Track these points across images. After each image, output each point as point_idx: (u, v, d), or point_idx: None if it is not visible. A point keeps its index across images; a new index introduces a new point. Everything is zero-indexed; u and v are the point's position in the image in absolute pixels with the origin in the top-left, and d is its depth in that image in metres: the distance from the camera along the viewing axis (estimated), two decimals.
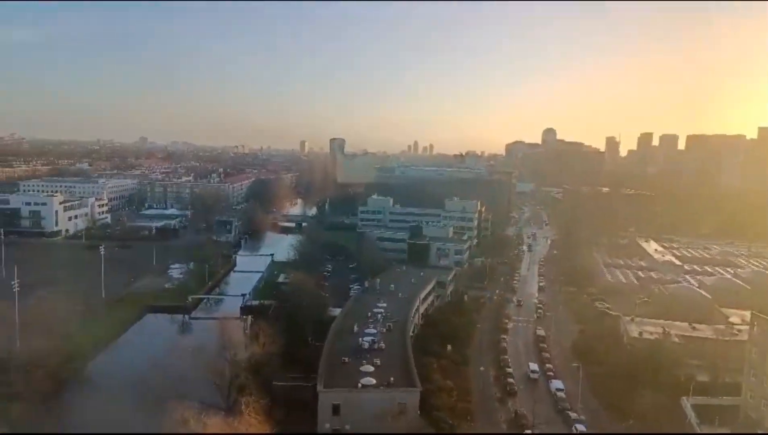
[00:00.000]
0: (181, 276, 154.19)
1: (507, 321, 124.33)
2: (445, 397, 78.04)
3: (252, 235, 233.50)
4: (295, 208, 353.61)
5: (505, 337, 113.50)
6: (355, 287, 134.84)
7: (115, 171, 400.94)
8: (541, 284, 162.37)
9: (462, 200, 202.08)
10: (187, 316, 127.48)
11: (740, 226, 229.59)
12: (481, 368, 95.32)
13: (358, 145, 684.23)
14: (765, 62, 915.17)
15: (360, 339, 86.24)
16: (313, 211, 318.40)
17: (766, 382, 73.49)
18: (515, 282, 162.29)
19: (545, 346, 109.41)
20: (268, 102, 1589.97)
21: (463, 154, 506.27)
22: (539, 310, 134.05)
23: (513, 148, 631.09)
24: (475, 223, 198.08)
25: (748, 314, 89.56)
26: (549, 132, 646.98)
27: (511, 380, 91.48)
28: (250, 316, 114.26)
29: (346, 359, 78.84)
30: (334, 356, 79.79)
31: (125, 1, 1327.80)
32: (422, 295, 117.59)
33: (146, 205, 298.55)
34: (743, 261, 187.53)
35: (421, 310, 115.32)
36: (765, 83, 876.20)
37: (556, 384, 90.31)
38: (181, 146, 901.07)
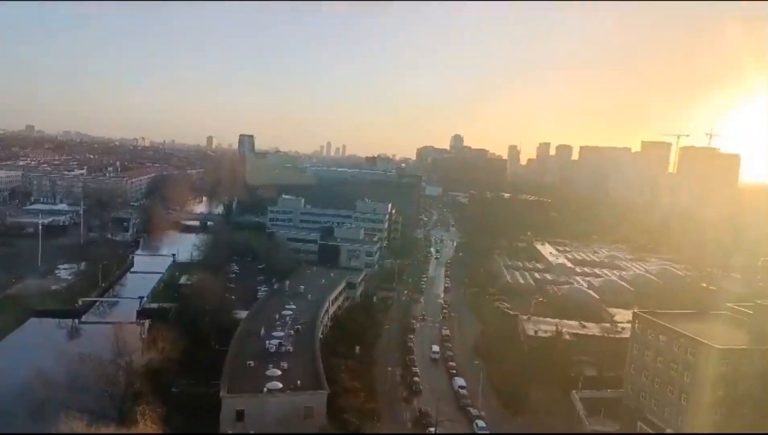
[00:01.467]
0: (70, 277, 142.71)
1: (414, 321, 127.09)
2: (353, 398, 78.17)
3: (152, 234, 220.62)
4: (201, 207, 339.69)
5: (411, 337, 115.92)
6: (263, 289, 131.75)
7: None
8: (447, 285, 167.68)
9: (373, 202, 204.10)
10: (76, 321, 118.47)
11: (625, 232, 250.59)
12: (389, 368, 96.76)
13: (269, 143, 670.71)
14: (652, 81, 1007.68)
15: (267, 342, 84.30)
16: (220, 209, 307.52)
17: (644, 375, 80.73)
18: (423, 283, 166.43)
19: (449, 344, 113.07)
20: (173, 94, 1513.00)
21: (375, 156, 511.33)
22: (445, 311, 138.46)
23: (423, 152, 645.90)
24: (386, 225, 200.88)
25: (630, 313, 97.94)
26: (456, 138, 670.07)
27: (416, 379, 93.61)
28: (147, 320, 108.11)
29: (252, 363, 76.75)
30: (238, 360, 77.39)
31: None
32: (332, 297, 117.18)
33: (32, 199, 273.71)
34: (627, 264, 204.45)
35: (331, 311, 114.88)
36: (651, 100, 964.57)
37: (459, 381, 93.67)
38: (73, 136, 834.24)
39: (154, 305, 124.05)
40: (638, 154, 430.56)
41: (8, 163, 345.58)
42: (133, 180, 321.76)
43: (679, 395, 73.60)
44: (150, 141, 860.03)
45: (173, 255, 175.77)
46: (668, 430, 73.13)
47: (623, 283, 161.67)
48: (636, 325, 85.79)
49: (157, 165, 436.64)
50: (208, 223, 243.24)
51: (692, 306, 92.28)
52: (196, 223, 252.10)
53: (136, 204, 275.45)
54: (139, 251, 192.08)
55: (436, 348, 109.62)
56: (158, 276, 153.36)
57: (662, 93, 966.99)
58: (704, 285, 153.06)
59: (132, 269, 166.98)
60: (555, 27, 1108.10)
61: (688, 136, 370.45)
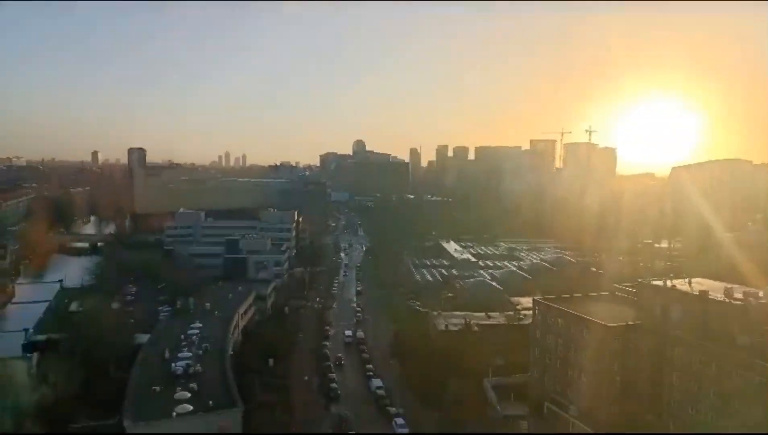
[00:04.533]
0: None
1: (328, 328, 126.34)
2: (268, 412, 76.30)
3: (34, 260, 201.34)
4: (89, 228, 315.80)
5: (326, 343, 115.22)
6: (165, 309, 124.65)
7: None
8: (358, 289, 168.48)
9: (279, 211, 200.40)
10: None
11: (520, 225, 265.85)
12: (305, 378, 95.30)
13: (162, 156, 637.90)
14: (538, 83, 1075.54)
15: (173, 365, 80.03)
16: (112, 229, 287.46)
17: (547, 358, 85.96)
18: (334, 289, 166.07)
19: (365, 347, 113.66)
20: (51, 105, 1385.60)
21: (278, 164, 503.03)
22: (358, 314, 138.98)
23: (326, 158, 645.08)
24: (293, 233, 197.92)
25: (530, 300, 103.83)
26: (359, 143, 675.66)
27: (334, 385, 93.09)
28: (35, 354, 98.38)
29: (158, 388, 72.45)
30: (142, 387, 72.74)
31: None
32: (241, 311, 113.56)
33: None
34: (524, 255, 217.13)
35: (241, 326, 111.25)
36: (539, 101, 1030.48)
37: (376, 383, 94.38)
38: None
39: (42, 337, 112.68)
40: (527, 151, 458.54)
41: None
42: (8, 203, 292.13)
43: (579, 374, 79.09)
44: (26, 160, 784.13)
45: (60, 281, 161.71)
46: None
47: (522, 273, 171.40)
48: (536, 311, 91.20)
49: (35, 185, 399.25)
50: (99, 244, 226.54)
51: (584, 290, 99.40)
52: (84, 245, 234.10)
53: (13, 229, 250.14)
54: (20, 279, 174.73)
55: (350, 352, 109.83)
56: (45, 305, 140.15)
57: (550, 92, 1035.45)
58: (594, 269, 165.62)
59: (13, 299, 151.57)
60: (448, 28, 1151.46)
61: (570, 132, 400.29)
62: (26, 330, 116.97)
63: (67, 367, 75.77)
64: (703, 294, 71.48)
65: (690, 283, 78.67)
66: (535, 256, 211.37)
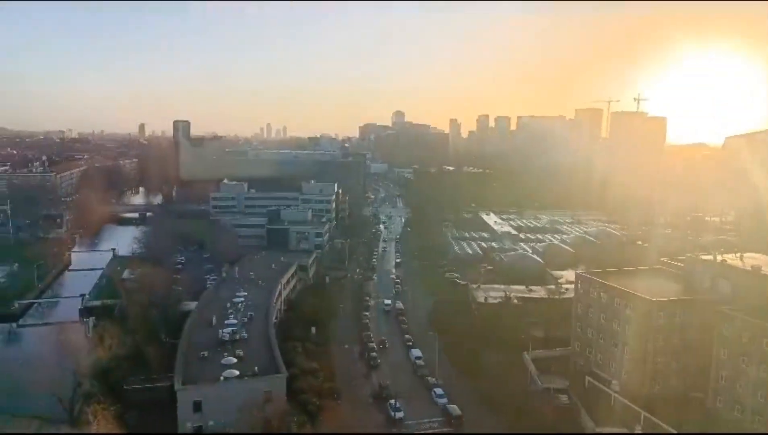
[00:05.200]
0: (2, 279, 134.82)
1: (368, 298, 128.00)
2: (311, 379, 78.46)
3: (88, 229, 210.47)
4: (138, 198, 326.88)
5: (366, 313, 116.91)
6: (212, 278, 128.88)
7: None
8: (398, 261, 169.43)
9: (319, 183, 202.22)
10: (14, 325, 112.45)
11: (563, 198, 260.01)
12: (345, 346, 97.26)
13: (206, 128, 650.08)
14: (584, 52, 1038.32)
15: (220, 331, 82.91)
16: (159, 199, 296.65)
17: (589, 332, 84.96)
18: (374, 260, 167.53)
19: (404, 318, 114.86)
20: (101, 81, 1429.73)
21: (318, 136, 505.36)
22: (397, 286, 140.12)
23: (366, 130, 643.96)
24: (333, 205, 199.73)
25: (573, 274, 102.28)
26: (398, 114, 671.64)
27: (373, 354, 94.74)
28: (92, 318, 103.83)
29: (205, 353, 75.47)
30: (191, 352, 75.88)
31: None
32: (284, 281, 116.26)
33: None
34: (567, 228, 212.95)
35: (284, 295, 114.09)
36: (584, 70, 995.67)
37: (415, 353, 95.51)
38: None
39: (97, 302, 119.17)
40: (572, 121, 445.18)
41: None
42: (63, 174, 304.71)
43: (622, 348, 77.94)
44: (78, 132, 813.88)
45: (113, 249, 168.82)
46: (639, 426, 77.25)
47: (565, 246, 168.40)
48: (579, 285, 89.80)
49: (87, 157, 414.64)
50: (148, 214, 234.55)
51: (629, 263, 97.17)
52: (134, 215, 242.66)
53: (68, 199, 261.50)
54: (76, 248, 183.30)
55: (390, 322, 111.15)
56: (99, 272, 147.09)
57: (595, 59, 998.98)
58: (639, 243, 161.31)
59: (70, 267, 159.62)
60: None
61: (618, 101, 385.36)
62: (83, 296, 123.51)
63: (121, 331, 79.70)
64: (756, 269, 68.84)
65: (742, 257, 75.83)
66: (578, 229, 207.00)
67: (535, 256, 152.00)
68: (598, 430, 69.54)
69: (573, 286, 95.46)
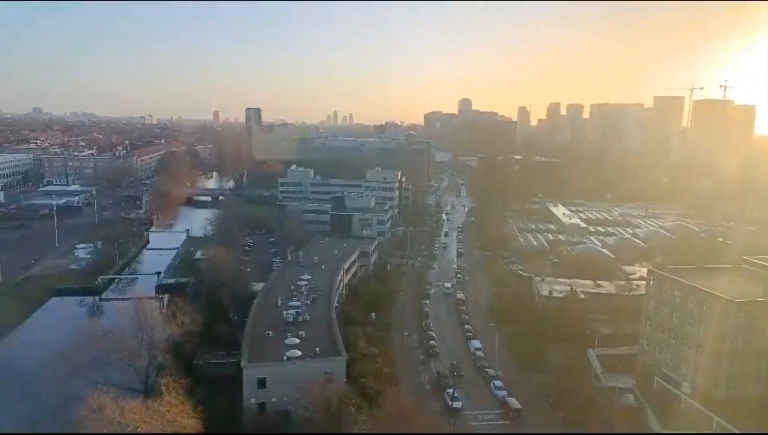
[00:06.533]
0: (88, 256, 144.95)
1: (428, 287, 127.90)
2: (370, 363, 79.37)
3: (164, 211, 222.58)
4: (211, 182, 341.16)
5: (426, 302, 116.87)
6: (278, 261, 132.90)
7: (6, 145, 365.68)
8: (460, 250, 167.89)
9: (383, 170, 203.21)
10: (97, 298, 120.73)
11: (638, 189, 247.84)
12: (405, 333, 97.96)
13: (276, 115, 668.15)
14: (660, 38, 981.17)
15: (284, 312, 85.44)
16: (230, 184, 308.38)
17: (660, 331, 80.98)
18: (435, 249, 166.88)
19: (464, 308, 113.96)
20: (178, 69, 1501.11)
21: (383, 124, 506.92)
22: (458, 275, 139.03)
23: (431, 118, 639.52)
24: (396, 192, 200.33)
25: (645, 270, 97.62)
26: (464, 102, 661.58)
27: (432, 343, 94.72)
28: (166, 295, 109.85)
29: (270, 333, 78.00)
30: (257, 331, 78.63)
31: None
32: (346, 266, 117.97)
33: (45, 181, 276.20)
34: (640, 221, 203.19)
35: (346, 280, 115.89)
36: (660, 57, 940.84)
37: (475, 343, 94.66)
38: (81, 117, 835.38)
39: (172, 280, 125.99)
40: (651, 109, 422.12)
41: (19, 146, 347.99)
42: (143, 158, 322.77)
43: (696, 350, 73.80)
44: (157, 118, 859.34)
45: (187, 231, 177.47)
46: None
47: (637, 241, 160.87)
48: (651, 282, 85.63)
49: (165, 142, 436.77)
50: (220, 197, 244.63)
51: (708, 261, 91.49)
52: (207, 198, 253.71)
53: (147, 182, 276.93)
54: (153, 228, 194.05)
55: (450, 312, 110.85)
56: (174, 252, 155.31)
57: (674, 45, 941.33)
58: (720, 239, 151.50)
59: (148, 246, 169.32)
60: None
61: (701, 89, 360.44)
62: (158, 274, 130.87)
63: (192, 309, 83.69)
64: None
65: None
66: (652, 223, 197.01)
67: (604, 250, 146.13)
68: (665, 431, 66.45)
69: (644, 282, 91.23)
